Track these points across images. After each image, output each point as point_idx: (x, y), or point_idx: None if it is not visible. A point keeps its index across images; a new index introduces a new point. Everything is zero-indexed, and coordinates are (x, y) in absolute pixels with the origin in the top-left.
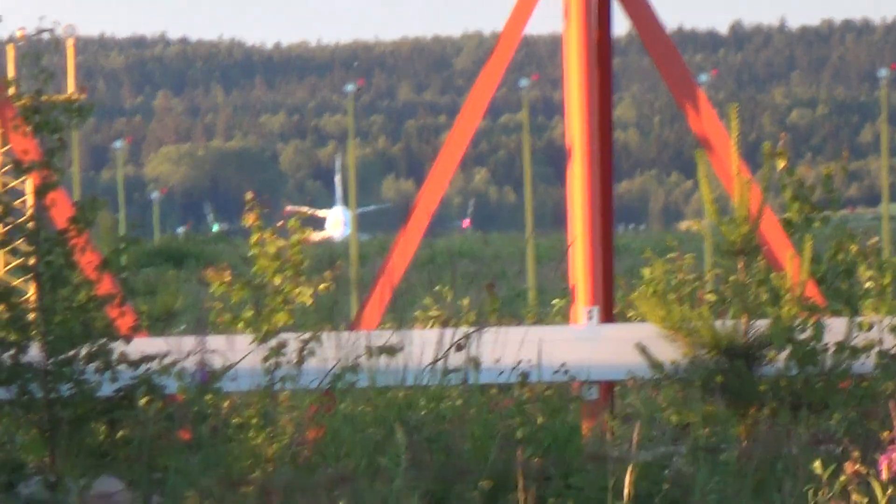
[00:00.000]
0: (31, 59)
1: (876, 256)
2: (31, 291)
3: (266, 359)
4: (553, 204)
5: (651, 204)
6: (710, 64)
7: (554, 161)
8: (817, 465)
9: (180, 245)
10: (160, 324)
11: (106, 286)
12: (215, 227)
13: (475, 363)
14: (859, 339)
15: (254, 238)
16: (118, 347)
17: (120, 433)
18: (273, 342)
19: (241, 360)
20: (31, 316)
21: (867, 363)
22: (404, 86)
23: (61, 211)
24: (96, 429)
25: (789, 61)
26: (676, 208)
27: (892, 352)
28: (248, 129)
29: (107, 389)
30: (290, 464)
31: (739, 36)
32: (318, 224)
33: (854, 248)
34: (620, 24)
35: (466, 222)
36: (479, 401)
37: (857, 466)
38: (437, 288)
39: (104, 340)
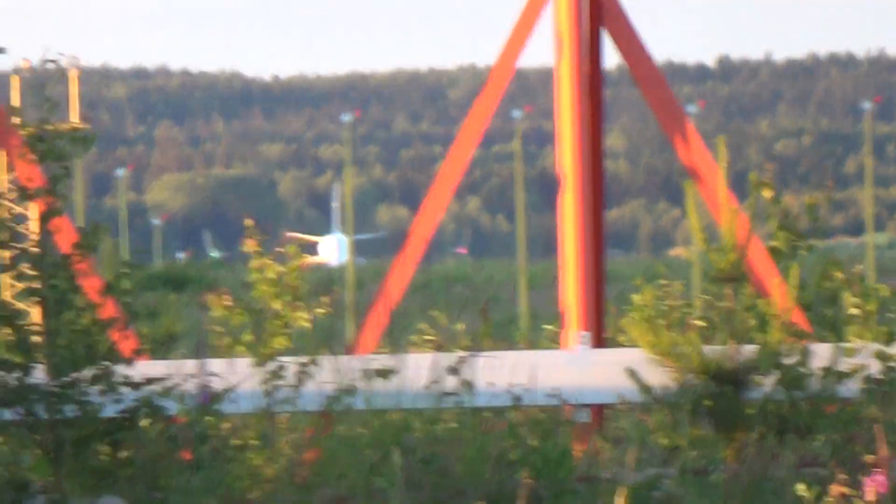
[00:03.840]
0: (36, 88)
1: (860, 283)
2: (35, 315)
3: (265, 382)
4: (545, 231)
5: (640, 231)
6: (697, 96)
7: (545, 189)
8: (803, 487)
9: (181, 270)
10: (161, 347)
11: (109, 310)
12: (212, 253)
13: (469, 386)
14: (844, 365)
15: (253, 264)
16: (121, 370)
17: (123, 454)
18: (272, 365)
19: (240, 382)
20: (36, 339)
21: (852, 388)
22: (400, 116)
23: (65, 237)
24: (100, 449)
25: (775, 93)
26: (665, 236)
27: (877, 376)
28: (248, 157)
29: (110, 411)
30: (289, 484)
31: (727, 69)
32: (315, 250)
33: (839, 275)
34: (611, 57)
35: (463, 249)
36: (473, 423)
37: (842, 489)
38: (432, 312)
39: (107, 363)
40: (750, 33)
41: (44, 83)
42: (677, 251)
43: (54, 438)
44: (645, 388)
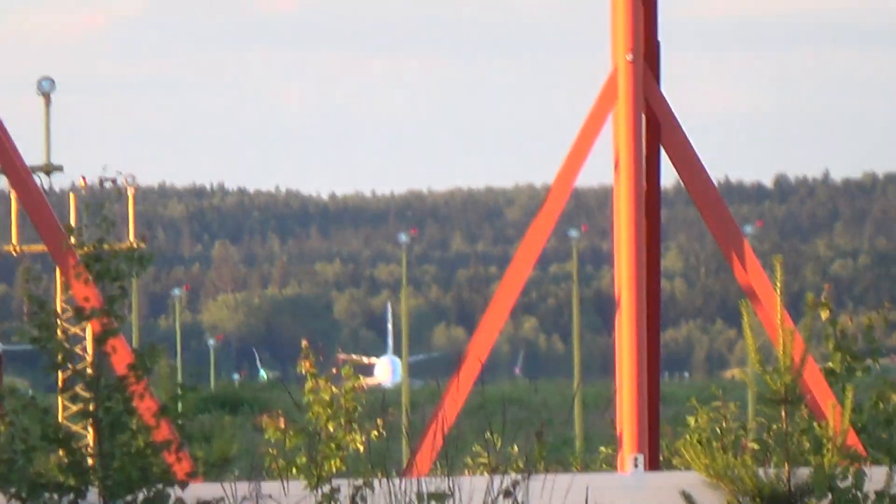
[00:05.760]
0: (94, 208)
1: None
2: (90, 437)
3: None
4: (601, 352)
5: (695, 352)
6: (755, 215)
7: (602, 310)
8: None
9: (236, 391)
10: (216, 469)
11: (163, 432)
12: (263, 375)
13: None
14: None
15: (308, 385)
16: (175, 492)
17: None
18: (326, 488)
19: None
20: (90, 461)
21: None
22: (457, 236)
23: (121, 357)
24: None
25: (832, 213)
26: (721, 356)
27: None
28: (303, 277)
29: None
30: None
31: (784, 188)
32: (369, 371)
33: (895, 397)
34: (668, 176)
35: (518, 370)
36: None
37: None
38: (487, 435)
39: (161, 486)
40: (807, 153)
41: (101, 202)
42: (733, 372)
43: None
44: None
